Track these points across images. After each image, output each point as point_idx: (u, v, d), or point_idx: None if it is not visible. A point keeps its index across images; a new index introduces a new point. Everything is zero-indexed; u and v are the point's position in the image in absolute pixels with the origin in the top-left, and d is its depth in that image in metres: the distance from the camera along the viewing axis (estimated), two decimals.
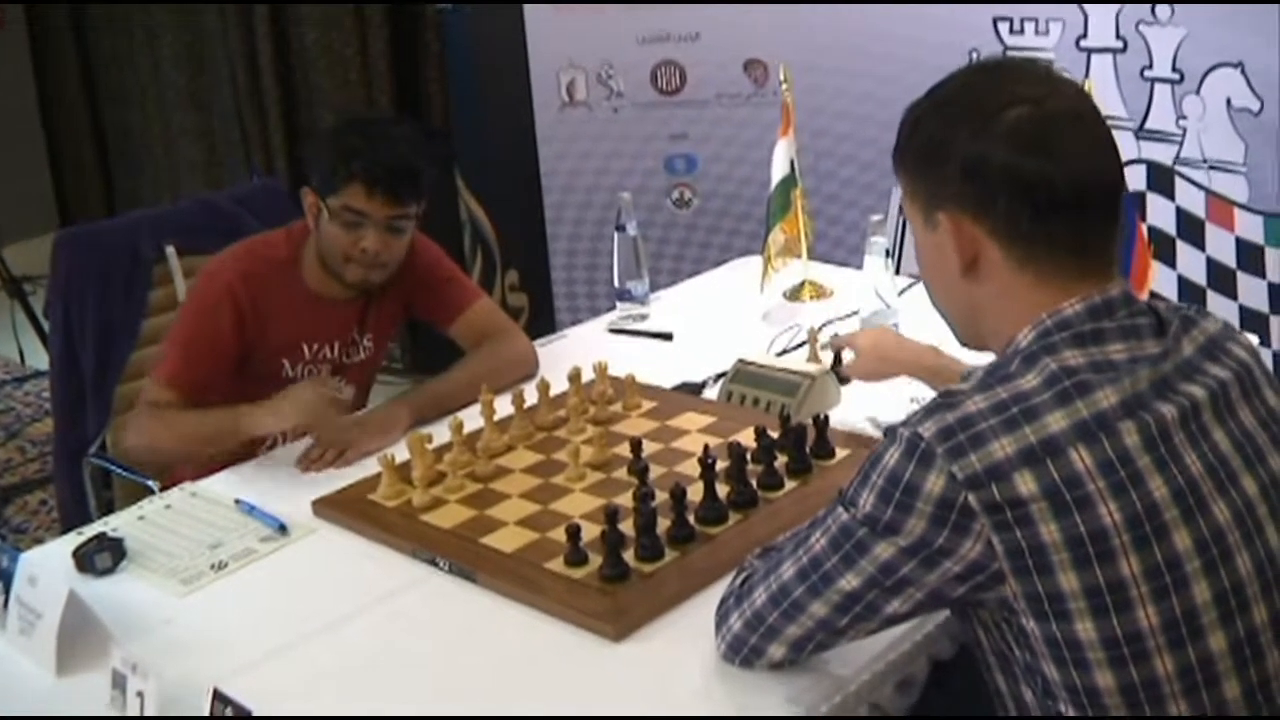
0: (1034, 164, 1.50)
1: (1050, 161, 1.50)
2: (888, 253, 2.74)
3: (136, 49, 6.26)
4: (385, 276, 2.69)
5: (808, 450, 2.24)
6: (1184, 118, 3.57)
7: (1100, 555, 1.42)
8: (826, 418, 2.30)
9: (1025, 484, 1.42)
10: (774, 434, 2.23)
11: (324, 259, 2.67)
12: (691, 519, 2.04)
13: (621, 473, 2.27)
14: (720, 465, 2.12)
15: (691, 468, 2.18)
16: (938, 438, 1.46)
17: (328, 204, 2.59)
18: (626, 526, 1.98)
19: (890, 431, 1.52)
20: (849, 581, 1.54)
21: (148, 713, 1.68)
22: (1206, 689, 1.45)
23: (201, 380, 2.62)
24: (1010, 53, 3.84)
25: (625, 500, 2.08)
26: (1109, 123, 1.58)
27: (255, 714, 1.64)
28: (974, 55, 3.83)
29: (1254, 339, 1.76)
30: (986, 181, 1.52)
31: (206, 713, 1.67)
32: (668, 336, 3.03)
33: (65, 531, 2.46)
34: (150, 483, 2.75)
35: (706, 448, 2.13)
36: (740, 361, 2.60)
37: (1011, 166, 1.50)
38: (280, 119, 5.54)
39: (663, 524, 2.01)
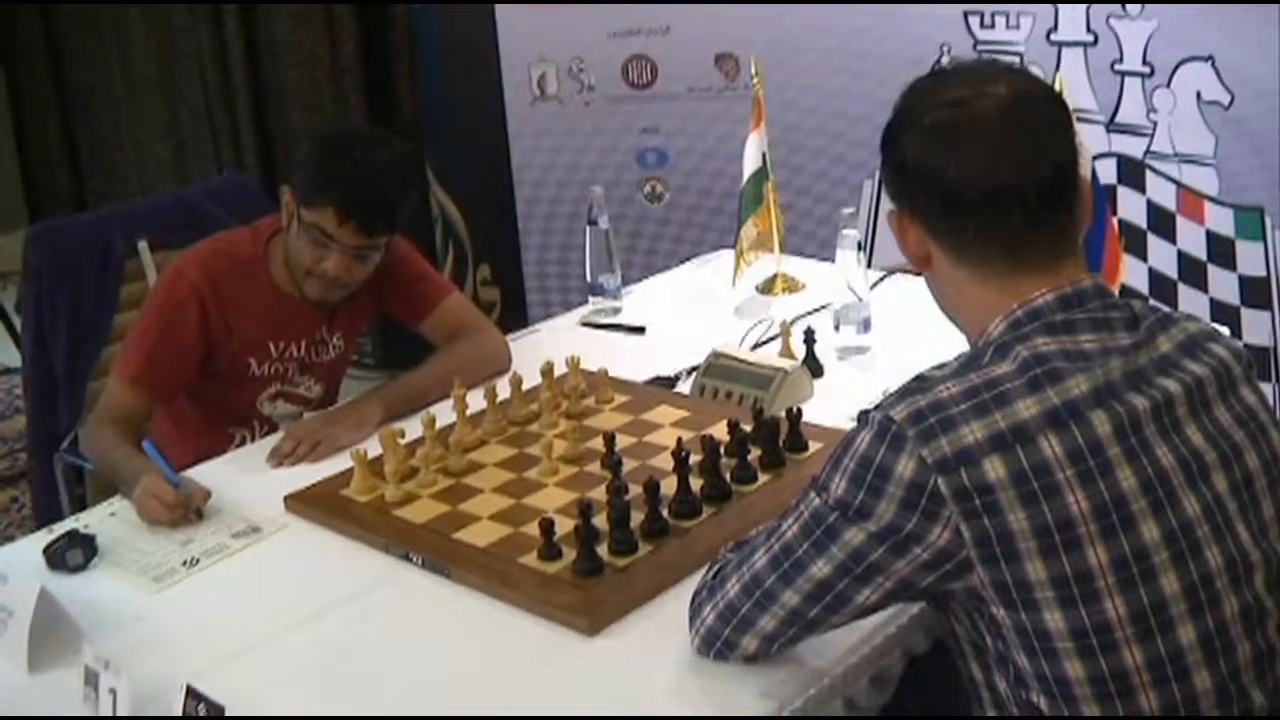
0: (938, 166, 1.53)
1: (953, 164, 1.52)
2: (859, 246, 2.74)
3: (106, 45, 6.22)
4: (344, 295, 2.67)
5: (781, 444, 2.24)
6: (1154, 111, 3.58)
7: (1067, 544, 1.43)
8: (799, 411, 2.30)
9: (994, 470, 1.43)
10: (747, 427, 2.24)
11: (289, 263, 2.66)
12: (665, 513, 2.05)
13: (595, 467, 2.26)
14: (694, 459, 2.12)
15: (665, 461, 2.18)
16: (909, 420, 1.47)
17: (301, 214, 2.56)
18: (600, 521, 1.99)
19: (863, 416, 1.54)
20: (820, 569, 1.54)
21: (120, 710, 1.68)
22: (1176, 681, 1.46)
23: (167, 380, 2.61)
24: (981, 47, 3.85)
25: (599, 494, 2.08)
26: (1078, 116, 1.59)
27: (228, 710, 1.63)
28: (945, 49, 3.84)
29: (1224, 331, 1.76)
30: (906, 182, 1.58)
31: (179, 710, 1.67)
32: (640, 330, 3.03)
33: (37, 528, 2.45)
34: None
35: (680, 441, 2.13)
36: (714, 354, 2.60)
37: (921, 169, 1.55)
38: (250, 115, 5.51)
39: (636, 518, 2.01)
